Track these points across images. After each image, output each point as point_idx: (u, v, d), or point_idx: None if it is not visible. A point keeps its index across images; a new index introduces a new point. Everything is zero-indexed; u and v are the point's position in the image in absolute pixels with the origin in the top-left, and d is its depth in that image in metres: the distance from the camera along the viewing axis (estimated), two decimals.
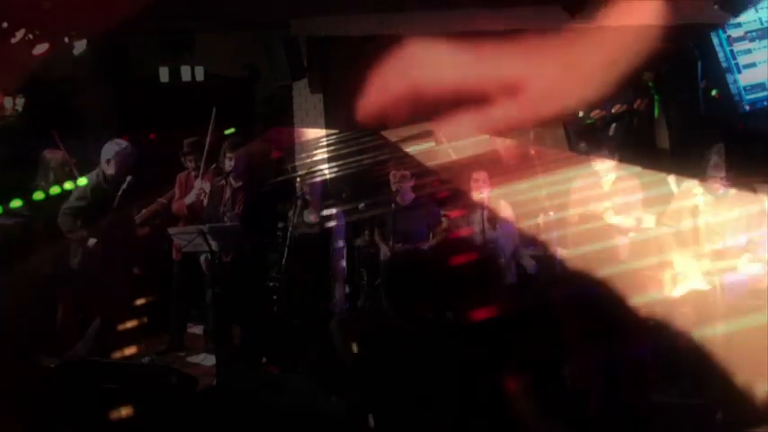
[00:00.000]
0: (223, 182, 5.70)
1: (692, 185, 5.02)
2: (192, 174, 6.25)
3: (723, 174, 4.92)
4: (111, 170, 5.53)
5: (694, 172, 5.16)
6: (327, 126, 7.59)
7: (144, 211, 6.33)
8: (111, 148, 5.56)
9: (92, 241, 5.50)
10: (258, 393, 4.01)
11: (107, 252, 5.46)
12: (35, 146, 6.24)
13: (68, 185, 5.95)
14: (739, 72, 5.69)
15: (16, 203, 5.47)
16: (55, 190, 5.89)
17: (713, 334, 4.47)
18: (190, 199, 5.99)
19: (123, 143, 5.62)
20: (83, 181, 5.85)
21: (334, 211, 5.85)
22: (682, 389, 4.53)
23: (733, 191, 4.88)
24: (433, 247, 5.55)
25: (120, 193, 5.47)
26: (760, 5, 5.60)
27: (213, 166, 6.11)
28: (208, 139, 6.04)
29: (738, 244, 4.77)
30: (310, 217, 5.97)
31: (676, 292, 4.87)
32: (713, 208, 4.88)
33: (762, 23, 5.63)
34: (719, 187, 4.93)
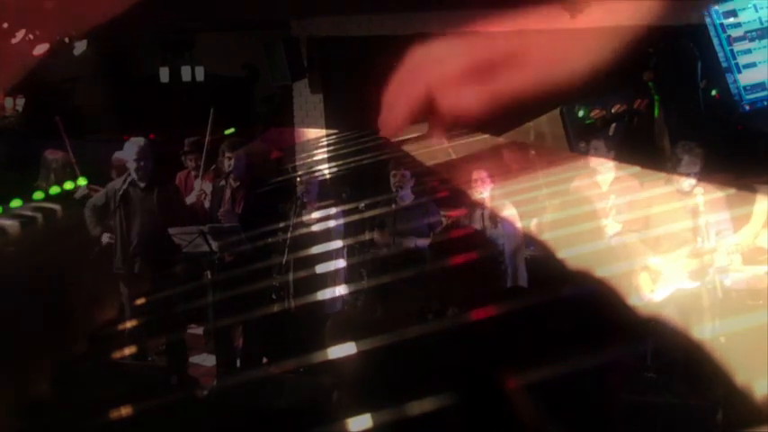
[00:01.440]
0: (223, 182, 5.71)
1: (663, 188, 4.95)
2: (192, 173, 6.26)
3: (697, 169, 4.81)
4: (134, 168, 5.50)
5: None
6: (327, 126, 7.60)
7: None
8: (132, 147, 5.53)
9: (105, 237, 5.54)
10: (258, 393, 4.01)
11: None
12: (35, 146, 6.25)
13: (69, 185, 5.95)
14: (739, 72, 5.70)
15: (16, 203, 5.48)
16: (55, 190, 5.90)
17: (712, 334, 4.47)
18: (190, 199, 6.00)
19: (142, 140, 5.59)
20: (83, 181, 5.86)
21: (333, 210, 5.85)
22: (681, 389, 4.54)
23: (701, 189, 4.79)
24: (432, 246, 5.55)
25: (120, 193, 5.48)
26: (760, 5, 5.60)
27: (213, 167, 6.11)
28: (207, 140, 6.05)
29: (719, 242, 4.73)
30: (310, 217, 5.97)
31: (664, 293, 4.85)
32: (689, 208, 4.80)
33: (762, 23, 5.63)
34: (690, 185, 4.81)
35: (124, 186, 5.48)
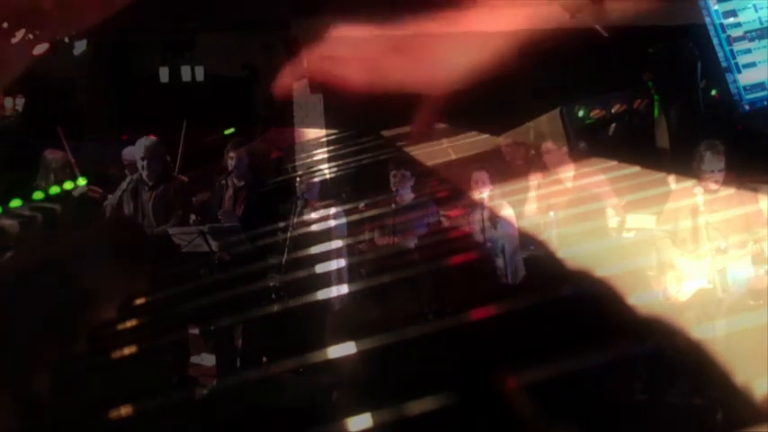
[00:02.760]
0: (224, 182, 5.72)
1: (688, 185, 4.97)
2: None
3: (722, 166, 4.85)
4: (142, 166, 5.50)
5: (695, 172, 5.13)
6: (327, 126, 7.59)
7: None
8: (140, 146, 5.52)
9: None
10: (258, 393, 4.01)
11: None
12: (35, 146, 6.25)
13: (69, 185, 5.95)
14: (739, 72, 5.69)
15: (16, 203, 5.47)
16: (55, 190, 5.89)
17: (713, 334, 4.47)
18: None
19: (151, 139, 5.60)
20: (82, 181, 5.85)
21: (334, 210, 5.85)
22: (682, 389, 4.53)
23: (731, 188, 4.83)
24: (430, 246, 5.55)
25: (120, 194, 5.49)
26: (760, 5, 5.60)
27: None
28: (180, 150, 6.09)
29: (739, 242, 4.74)
30: (310, 217, 5.98)
31: (680, 291, 4.85)
32: (711, 206, 4.83)
33: (762, 23, 5.63)
34: (715, 184, 4.85)
35: (131, 185, 5.50)
